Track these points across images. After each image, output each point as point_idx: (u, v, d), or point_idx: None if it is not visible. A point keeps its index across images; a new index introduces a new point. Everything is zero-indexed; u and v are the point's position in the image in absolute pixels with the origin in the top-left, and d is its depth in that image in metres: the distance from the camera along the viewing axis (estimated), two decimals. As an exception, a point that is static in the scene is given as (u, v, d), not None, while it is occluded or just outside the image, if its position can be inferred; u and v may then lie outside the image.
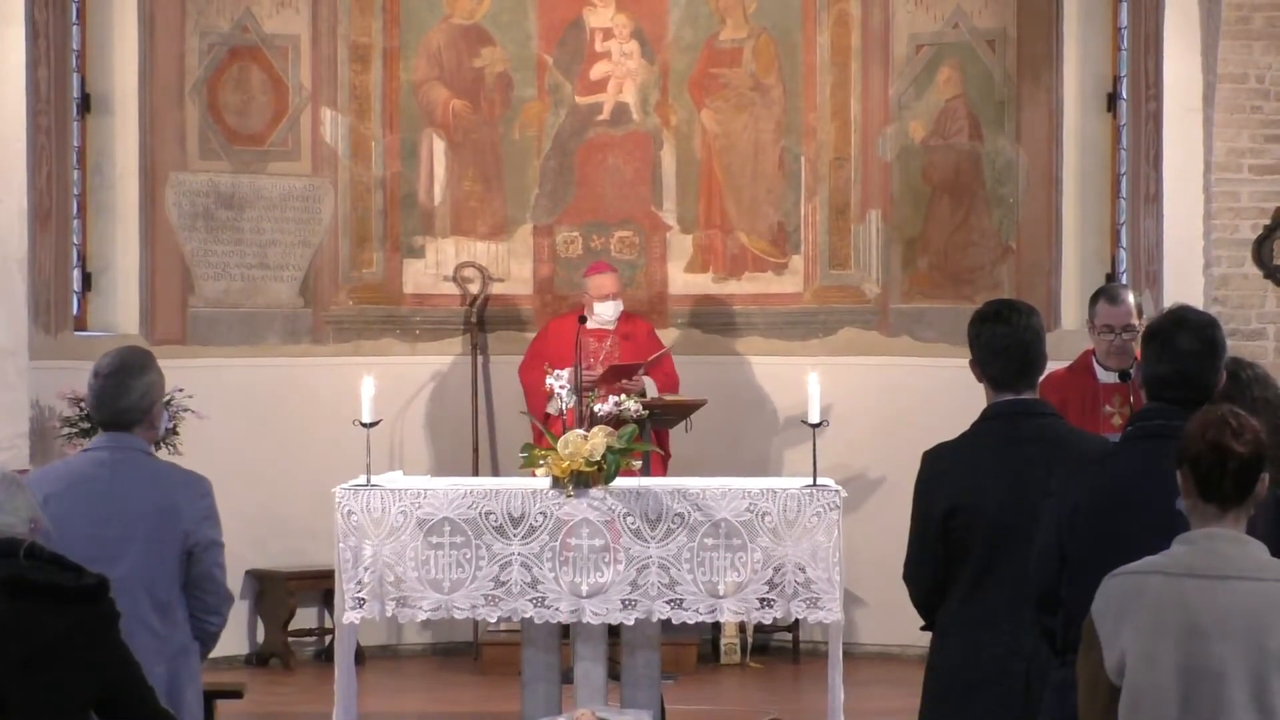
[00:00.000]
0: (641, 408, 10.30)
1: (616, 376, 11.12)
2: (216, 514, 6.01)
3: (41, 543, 4.61)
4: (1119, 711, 3.92)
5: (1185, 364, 4.94)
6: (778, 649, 12.22)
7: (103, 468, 5.94)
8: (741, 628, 11.88)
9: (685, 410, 11.41)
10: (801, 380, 9.02)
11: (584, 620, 8.68)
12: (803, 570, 8.62)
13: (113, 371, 5.98)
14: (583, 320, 11.12)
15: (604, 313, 11.42)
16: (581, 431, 8.67)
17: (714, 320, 12.64)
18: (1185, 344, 4.96)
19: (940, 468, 5.64)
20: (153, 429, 6.04)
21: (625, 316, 11.70)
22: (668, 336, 12.45)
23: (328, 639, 11.72)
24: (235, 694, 8.88)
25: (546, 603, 8.64)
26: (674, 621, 8.73)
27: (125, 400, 5.95)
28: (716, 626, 11.81)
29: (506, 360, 12.17)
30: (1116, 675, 3.93)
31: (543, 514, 8.66)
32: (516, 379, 11.79)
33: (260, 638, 11.93)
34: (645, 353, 11.55)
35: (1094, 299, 8.31)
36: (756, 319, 12.61)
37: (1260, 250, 9.65)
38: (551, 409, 10.71)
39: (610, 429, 8.69)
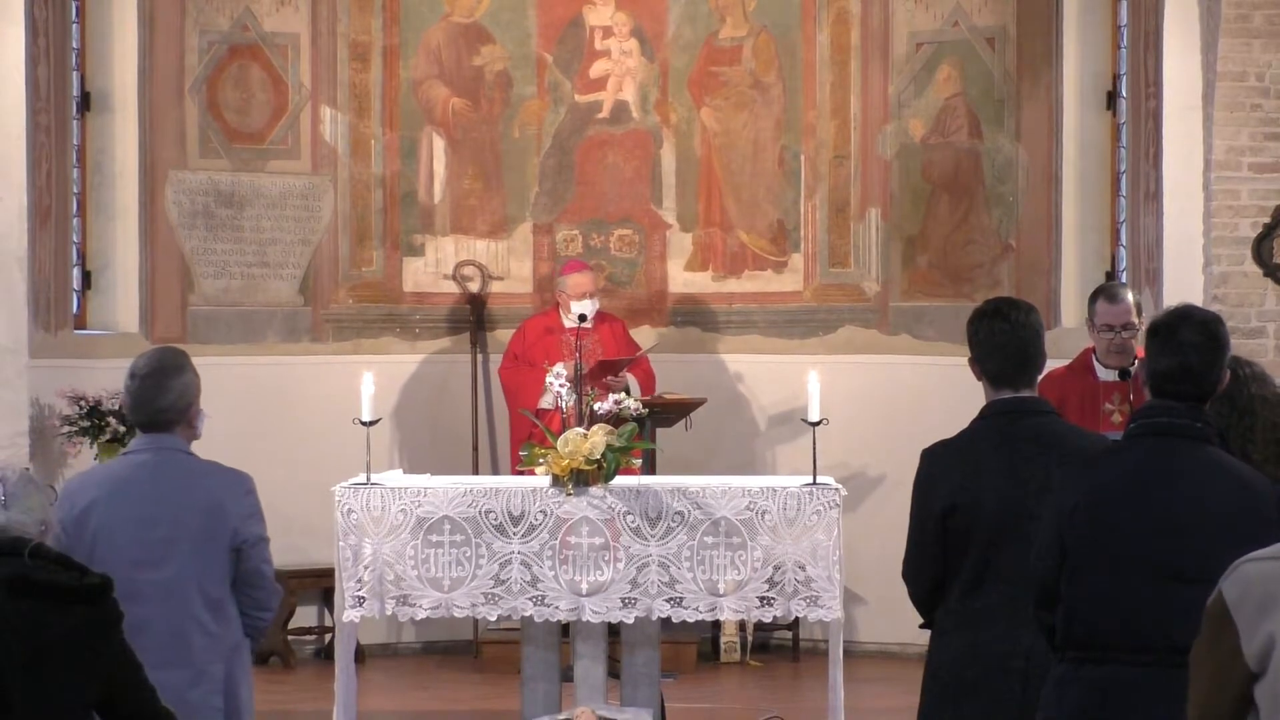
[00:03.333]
0: (641, 406, 10.30)
1: (604, 372, 11.13)
2: (261, 510, 6.02)
3: (49, 545, 4.60)
4: (1264, 697, 3.90)
5: (1188, 357, 4.94)
6: (778, 647, 12.22)
7: (145, 469, 5.93)
8: (741, 626, 11.88)
9: (685, 409, 11.42)
10: (801, 378, 9.02)
11: (584, 619, 8.68)
12: (803, 568, 8.62)
13: (150, 372, 5.96)
14: (583, 319, 11.14)
15: (585, 311, 11.40)
16: (581, 430, 8.67)
17: (713, 318, 12.64)
18: (1188, 337, 4.97)
19: (939, 465, 5.64)
20: (191, 428, 6.03)
21: (600, 315, 11.70)
22: (667, 335, 12.46)
23: (327, 637, 11.73)
24: (235, 692, 8.88)
25: (546, 601, 8.64)
26: (674, 620, 8.73)
27: (163, 401, 5.94)
28: (716, 625, 11.81)
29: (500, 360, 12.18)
30: (1258, 662, 3.91)
31: (542, 512, 8.66)
32: (515, 378, 11.81)
33: (260, 636, 11.93)
34: (625, 350, 11.58)
35: (1093, 298, 8.30)
36: (756, 317, 12.61)
37: (1260, 248, 9.65)
38: (546, 403, 10.74)
39: (610, 427, 8.69)
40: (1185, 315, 5.05)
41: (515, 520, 8.66)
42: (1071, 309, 11.61)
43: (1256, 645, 3.85)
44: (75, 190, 11.56)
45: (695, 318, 12.66)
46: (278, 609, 6.13)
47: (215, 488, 5.95)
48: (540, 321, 11.83)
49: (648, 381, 11.56)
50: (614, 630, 8.98)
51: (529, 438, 10.06)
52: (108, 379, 10.10)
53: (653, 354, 11.71)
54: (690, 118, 12.69)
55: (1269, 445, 5.53)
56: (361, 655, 10.69)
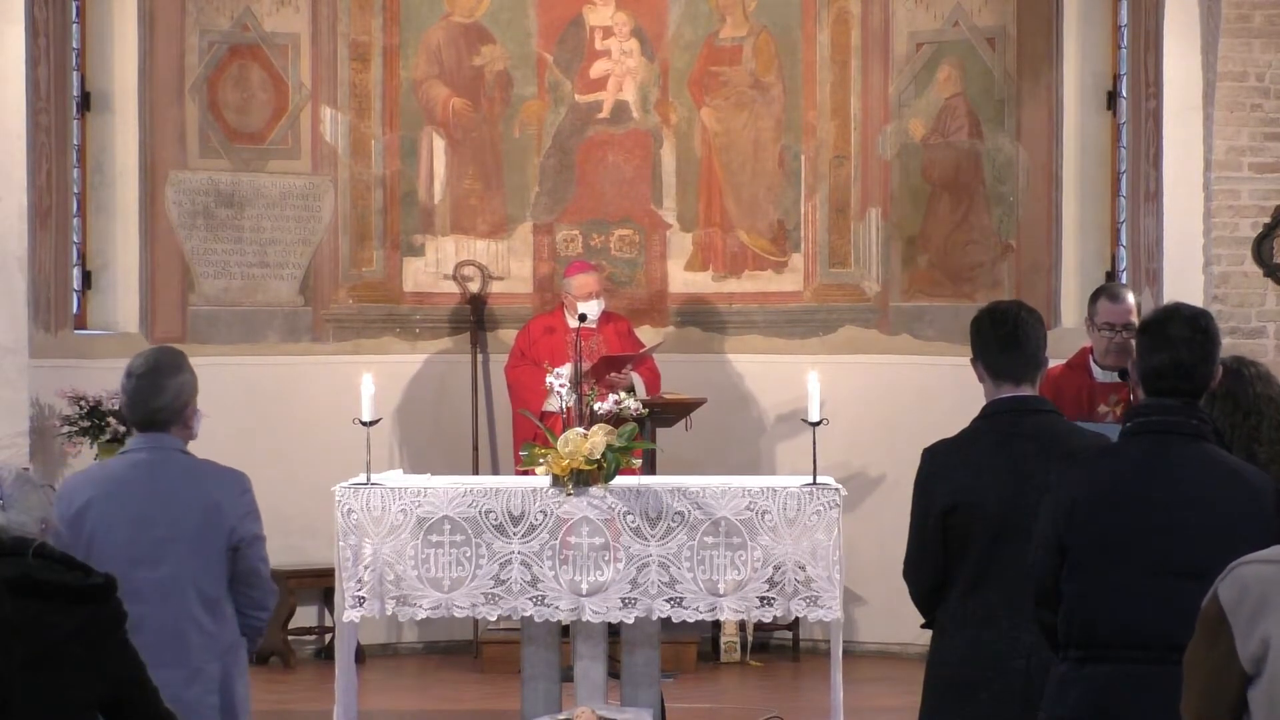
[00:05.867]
0: (641, 406, 10.30)
1: (608, 369, 11.12)
2: (257, 509, 6.03)
3: (52, 543, 4.60)
4: (1257, 701, 3.89)
5: (1179, 351, 4.94)
6: (778, 647, 12.22)
7: (141, 469, 5.94)
8: (741, 626, 11.88)
9: (685, 409, 11.41)
10: (801, 378, 9.02)
11: (584, 619, 8.68)
12: (803, 568, 8.62)
13: (146, 372, 5.97)
14: (583, 318, 11.13)
15: (588, 312, 11.40)
16: (581, 430, 8.67)
17: (714, 318, 12.64)
18: (1177, 331, 4.98)
19: (940, 464, 5.64)
20: (188, 428, 6.04)
21: (605, 315, 11.70)
22: (667, 335, 12.45)
23: (328, 637, 11.73)
24: (235, 692, 8.86)
25: (546, 601, 8.63)
26: (674, 620, 8.72)
27: (159, 400, 5.94)
28: (716, 625, 11.81)
29: (506, 359, 12.16)
30: (1253, 665, 3.90)
31: (542, 512, 8.65)
32: (516, 377, 11.80)
33: (260, 636, 11.92)
34: (630, 349, 11.57)
35: (1094, 297, 8.30)
36: (756, 317, 12.61)
37: (1260, 248, 9.65)
38: (551, 406, 10.72)
39: (610, 427, 8.68)
40: (1174, 311, 5.07)
41: (515, 520, 8.66)
42: (1071, 309, 11.61)
43: (1252, 648, 3.84)
44: (75, 190, 11.56)
45: (695, 318, 12.66)
46: (274, 608, 6.13)
47: (212, 487, 5.95)
48: (544, 321, 11.83)
49: (653, 379, 11.54)
50: (614, 630, 8.97)
51: (533, 437, 10.05)
52: (108, 379, 10.09)
53: (653, 354, 11.70)
54: (690, 118, 12.69)
55: (1274, 445, 5.53)
56: (361, 655, 10.69)
